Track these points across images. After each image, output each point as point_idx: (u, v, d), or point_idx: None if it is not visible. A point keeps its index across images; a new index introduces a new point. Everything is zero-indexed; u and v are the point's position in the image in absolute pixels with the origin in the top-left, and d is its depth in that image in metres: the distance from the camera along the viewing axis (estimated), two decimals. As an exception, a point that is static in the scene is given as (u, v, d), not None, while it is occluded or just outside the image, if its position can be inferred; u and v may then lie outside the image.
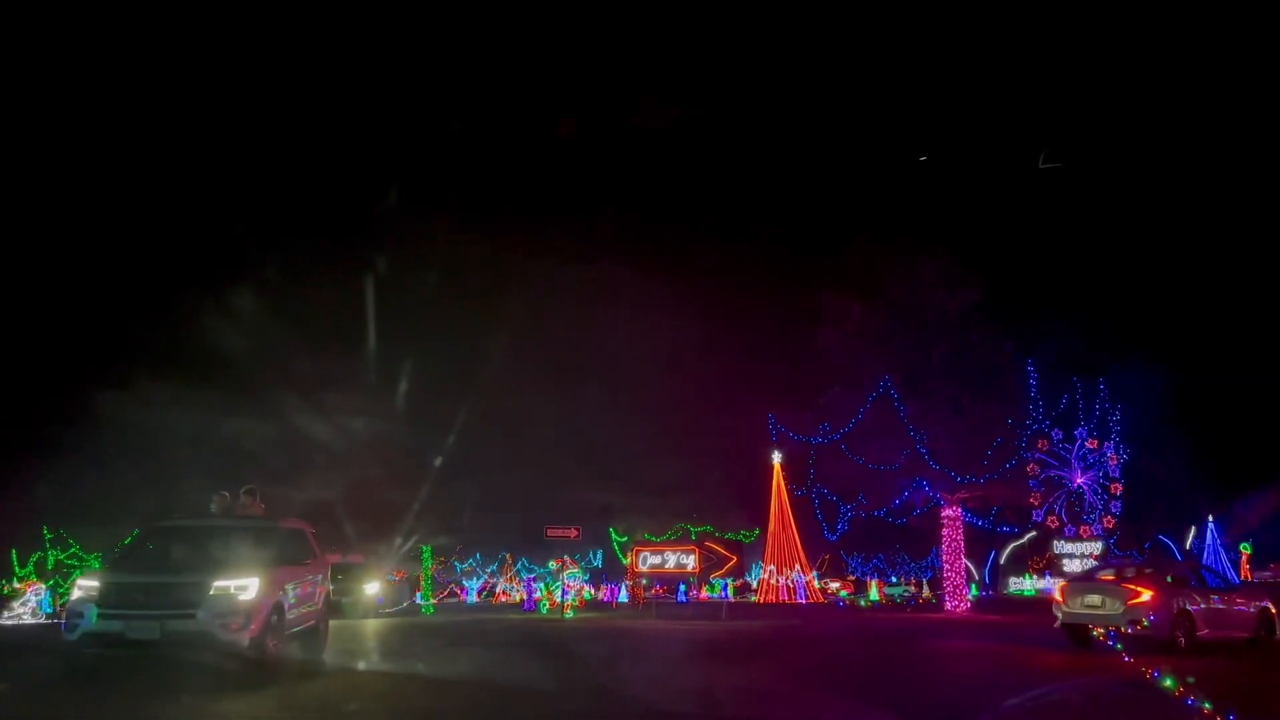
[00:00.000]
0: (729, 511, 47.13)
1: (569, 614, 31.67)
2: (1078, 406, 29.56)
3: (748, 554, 45.56)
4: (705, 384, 57.04)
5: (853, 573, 79.96)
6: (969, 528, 32.02)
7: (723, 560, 26.29)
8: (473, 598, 65.61)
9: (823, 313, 32.46)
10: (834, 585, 62.58)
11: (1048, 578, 65.14)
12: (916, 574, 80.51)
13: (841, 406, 30.93)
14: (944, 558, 31.87)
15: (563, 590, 32.14)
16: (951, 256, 30.36)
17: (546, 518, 33.21)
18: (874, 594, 65.38)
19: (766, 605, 36.23)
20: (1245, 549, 65.20)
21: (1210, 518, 61.59)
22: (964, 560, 32.07)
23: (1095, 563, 63.86)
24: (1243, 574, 64.79)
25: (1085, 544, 64.61)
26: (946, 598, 31.53)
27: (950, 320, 30.35)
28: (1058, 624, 16.43)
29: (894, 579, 79.94)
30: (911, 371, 30.65)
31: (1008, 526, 30.32)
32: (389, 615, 29.12)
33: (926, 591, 71.32)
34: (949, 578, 31.87)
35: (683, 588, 65.43)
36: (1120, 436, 29.46)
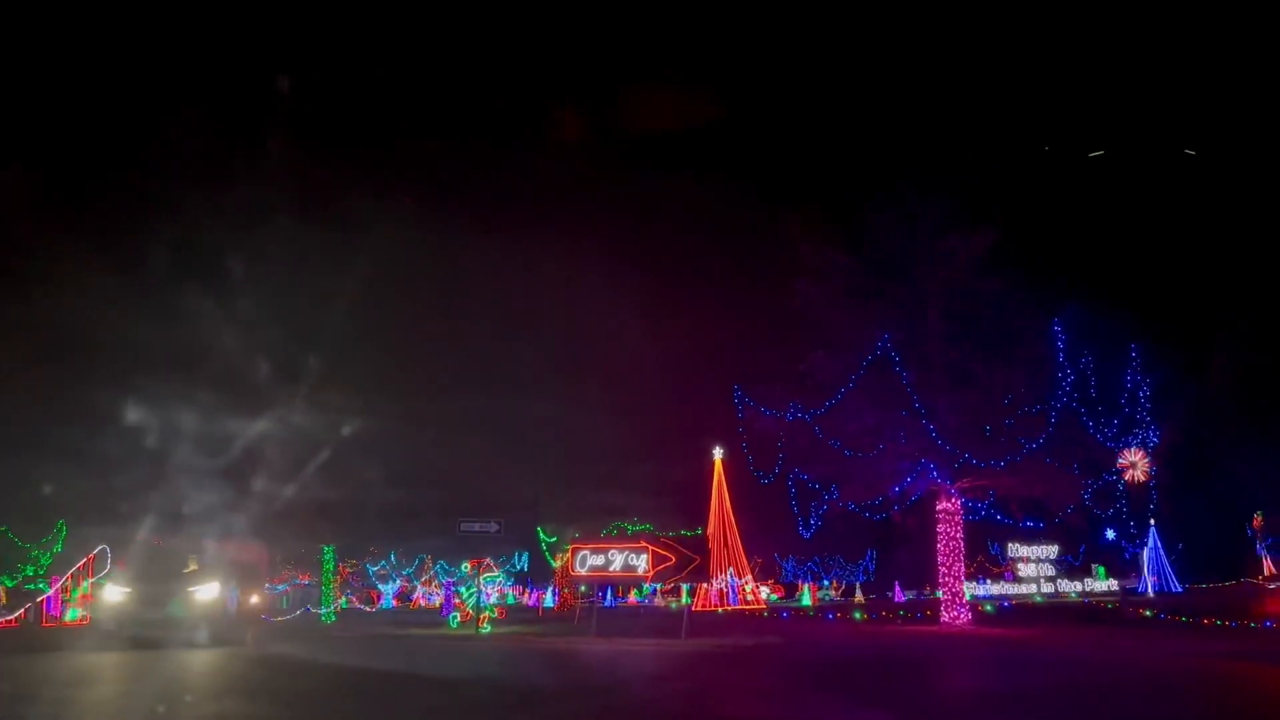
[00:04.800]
0: (674, 512, 41.78)
1: (485, 628, 25.41)
2: (1123, 380, 24.48)
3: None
4: (657, 363, 51.42)
5: (785, 576, 75.81)
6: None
7: (684, 561, 20.26)
8: (389, 602, 59.06)
9: (801, 266, 26.93)
10: (765, 589, 57.77)
11: (1007, 580, 61.80)
12: (848, 578, 76.75)
13: (824, 375, 25.41)
14: (940, 559, 26.59)
15: (479, 597, 25.82)
16: (961, 195, 25.18)
17: (467, 514, 26.96)
18: (806, 598, 61.00)
19: (736, 615, 30.61)
20: (1179, 554, 63.20)
21: (1153, 522, 59.23)
22: (963, 563, 26.89)
23: (1052, 568, 61.63)
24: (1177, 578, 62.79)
25: (1041, 547, 61.62)
26: (944, 609, 26.26)
27: (959, 272, 25.12)
28: None
29: (826, 582, 75.99)
30: (909, 334, 25.33)
31: (1031, 520, 25.32)
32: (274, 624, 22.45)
33: (859, 595, 67.44)
34: (946, 584, 26.61)
35: (610, 592, 60.14)
36: (1153, 417, 24.72)
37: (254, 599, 33.35)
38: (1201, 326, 34.94)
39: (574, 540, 23.27)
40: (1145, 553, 63.25)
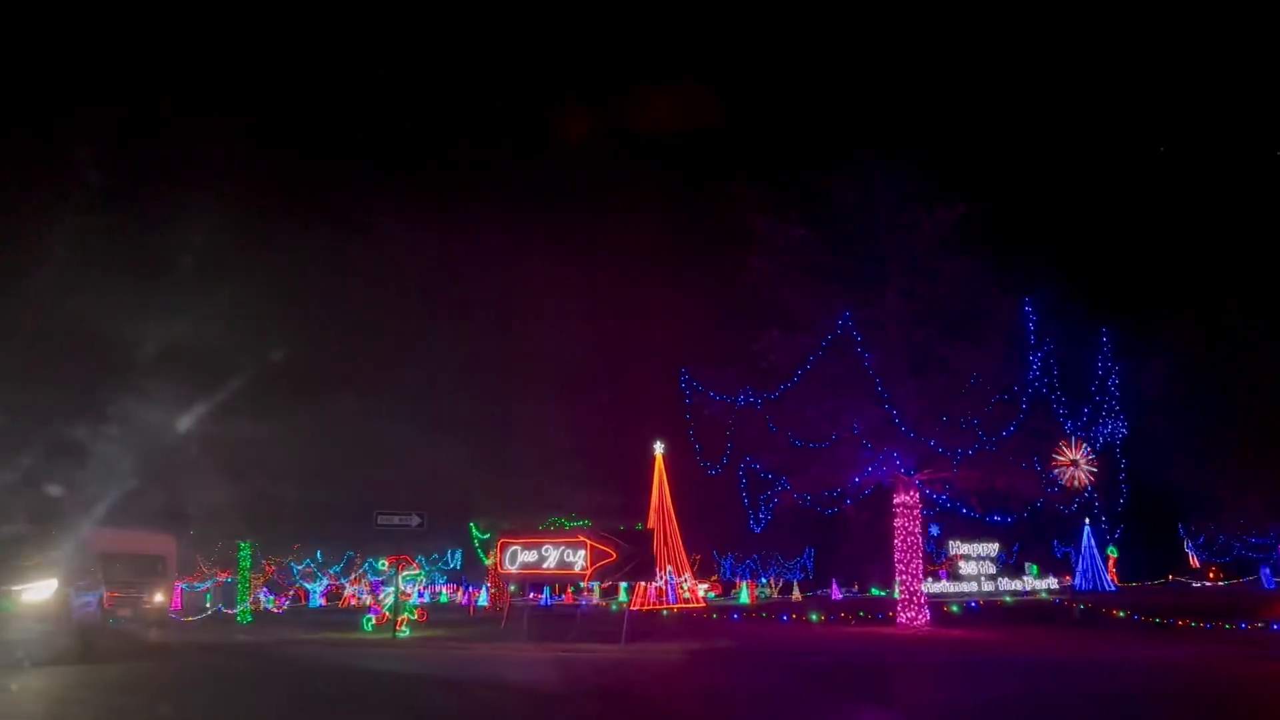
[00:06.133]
0: (615, 509, 39.67)
1: (403, 631, 22.91)
2: (1092, 366, 22.98)
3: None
4: (599, 350, 49.14)
5: (724, 574, 74.40)
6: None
7: (626, 557, 18.05)
8: (317, 601, 55.76)
9: (755, 239, 24.97)
10: (703, 587, 56.19)
11: (944, 580, 61.05)
12: (786, 575, 75.71)
13: (780, 356, 23.50)
14: (897, 556, 24.91)
15: (396, 597, 23.26)
16: (927, 166, 23.47)
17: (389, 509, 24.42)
18: (744, 596, 59.54)
19: (680, 615, 28.52)
20: (1112, 553, 63.59)
21: (1086, 521, 59.39)
22: (920, 560, 25.25)
23: (993, 566, 61.04)
24: (1110, 576, 63.12)
25: (982, 545, 61.03)
26: (901, 608, 24.56)
27: (923, 248, 23.43)
28: None
29: (764, 580, 74.85)
30: (870, 314, 23.55)
31: (1000, 515, 23.73)
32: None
33: (796, 593, 66.31)
34: (904, 582, 24.92)
35: (547, 590, 57.74)
36: (1121, 406, 23.36)
37: (158, 597, 30.17)
38: (1152, 320, 33.82)
39: (504, 534, 20.87)
40: (1081, 551, 63.53)
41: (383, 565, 24.83)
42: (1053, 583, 61.14)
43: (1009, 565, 62.30)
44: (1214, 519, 53.40)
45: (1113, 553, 64.34)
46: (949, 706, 10.83)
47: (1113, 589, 59.85)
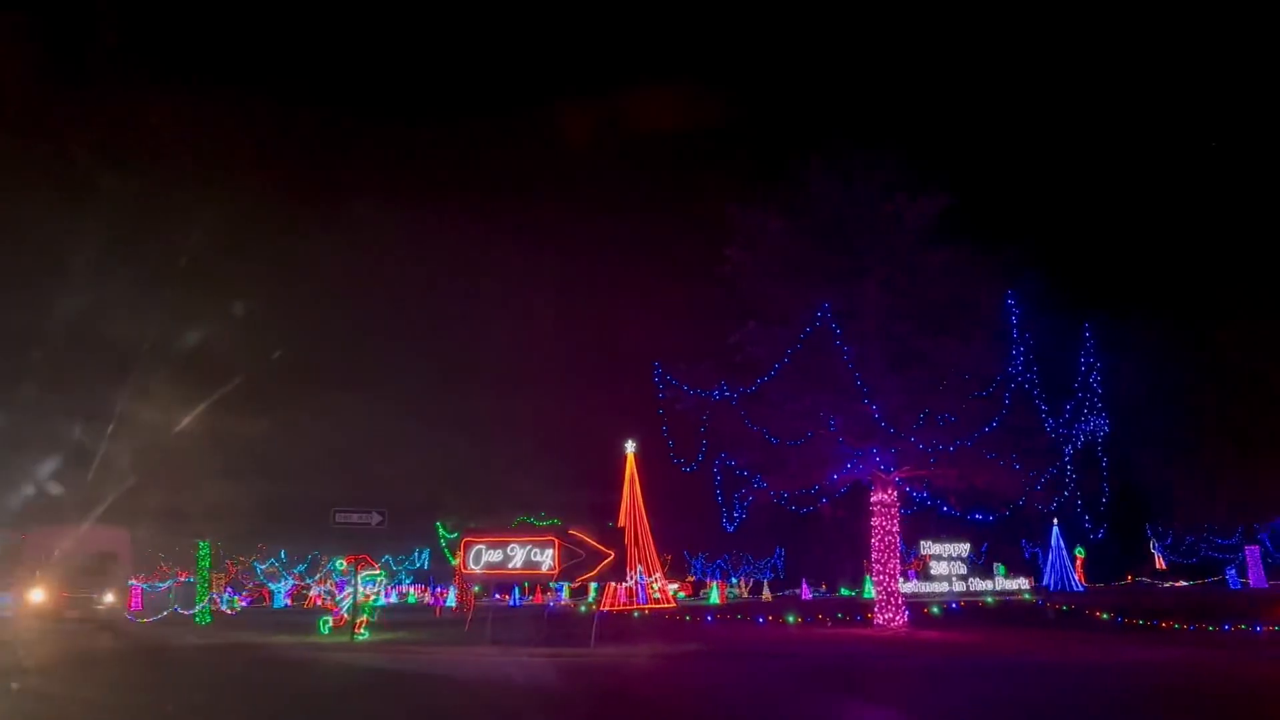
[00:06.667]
0: (587, 507, 38.79)
1: (362, 634, 21.87)
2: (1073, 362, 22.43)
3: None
4: (573, 347, 48.15)
5: (694, 573, 73.79)
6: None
7: (596, 556, 17.19)
8: (281, 601, 54.36)
9: (732, 230, 24.23)
10: (673, 587, 55.60)
11: (913, 580, 60.71)
12: (757, 575, 75.27)
13: (757, 349, 22.76)
14: (874, 555, 24.25)
15: (355, 599, 22.19)
16: (910, 155, 22.83)
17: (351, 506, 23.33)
18: (715, 596, 58.96)
19: (652, 616, 27.61)
20: (1079, 553, 63.77)
21: (1055, 521, 59.45)
22: (898, 560, 24.60)
23: (964, 566, 60.82)
24: (1078, 577, 63.24)
25: (953, 545, 60.81)
26: (878, 609, 23.89)
27: (904, 239, 22.78)
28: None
29: (735, 580, 74.38)
30: (850, 307, 22.86)
31: (981, 514, 23.11)
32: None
33: (766, 593, 65.81)
34: (881, 582, 24.27)
35: (516, 591, 56.62)
36: (1104, 403, 22.86)
37: (109, 597, 28.76)
38: (1122, 318, 33.44)
39: (468, 532, 19.90)
40: (1050, 552, 63.53)
41: (341, 565, 23.70)
42: (1023, 583, 61.07)
43: (978, 565, 62.23)
44: (1181, 520, 53.68)
45: (1080, 553, 64.46)
46: (949, 714, 10.08)
47: (1081, 589, 59.87)
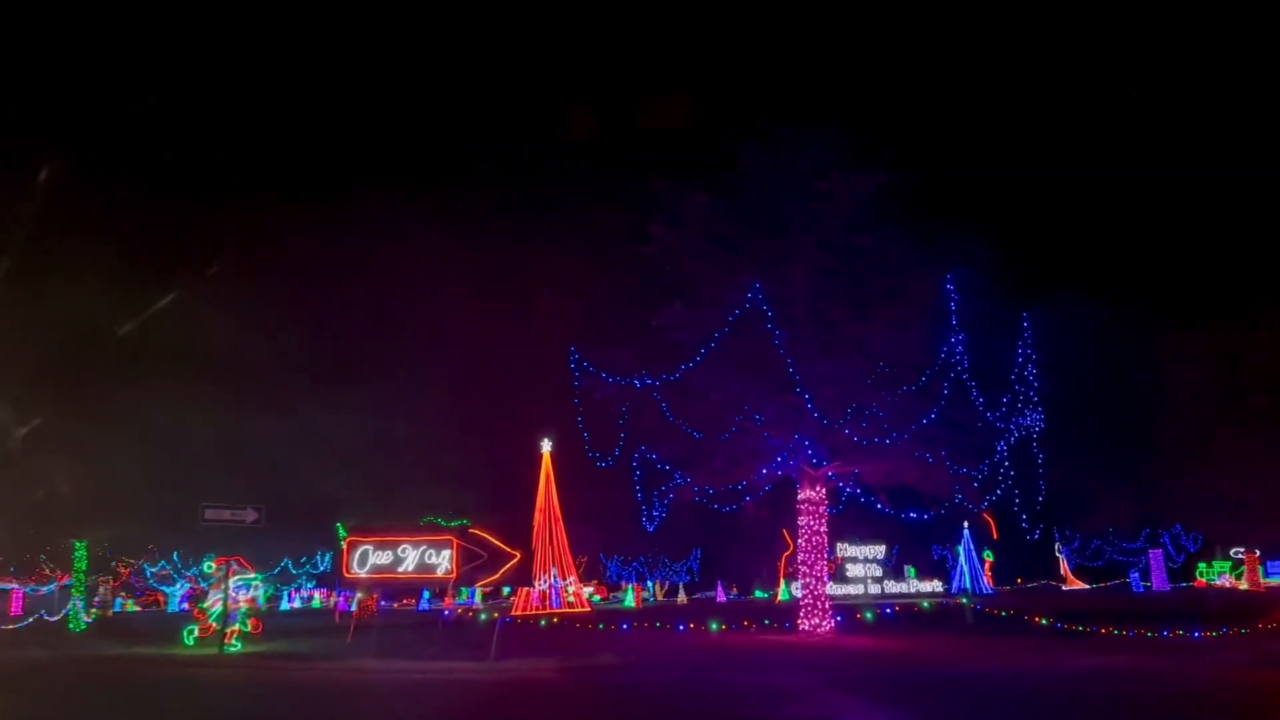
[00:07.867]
0: (498, 508, 36.65)
1: (233, 645, 19.29)
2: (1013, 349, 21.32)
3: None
4: (484, 336, 45.65)
5: (609, 576, 72.12)
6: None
7: (500, 558, 15.11)
8: (177, 605, 50.50)
9: (657, 207, 22.45)
10: (588, 590, 53.85)
11: (827, 582, 60.16)
12: (673, 578, 74.08)
13: (682, 333, 21.04)
14: (801, 556, 22.81)
15: (224, 606, 19.56)
16: (845, 132, 21.41)
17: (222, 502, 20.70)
18: (630, 599, 57.45)
19: (562, 622, 25.52)
20: (988, 556, 64.45)
21: (965, 524, 59.84)
22: (825, 561, 23.22)
23: (880, 568, 60.55)
24: (987, 580, 63.86)
25: (870, 547, 60.47)
26: (803, 614, 22.43)
27: (838, 219, 21.39)
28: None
29: (650, 583, 73.02)
30: (780, 290, 21.33)
31: (917, 512, 21.85)
32: None
33: (682, 596, 64.59)
34: (807, 585, 22.85)
35: (426, 595, 53.80)
36: (1038, 394, 21.89)
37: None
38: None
39: (352, 531, 17.56)
40: (961, 553, 63.82)
41: (209, 566, 21.02)
42: (938, 585, 61.18)
43: (889, 568, 62.12)
44: (1088, 524, 54.38)
45: (989, 556, 65.02)
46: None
47: (991, 592, 60.21)
